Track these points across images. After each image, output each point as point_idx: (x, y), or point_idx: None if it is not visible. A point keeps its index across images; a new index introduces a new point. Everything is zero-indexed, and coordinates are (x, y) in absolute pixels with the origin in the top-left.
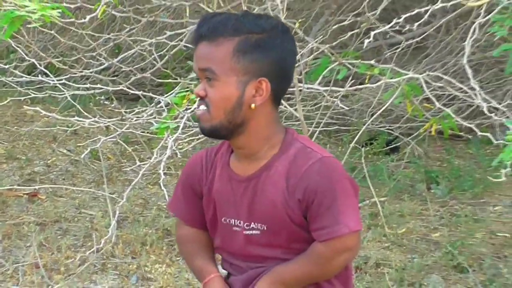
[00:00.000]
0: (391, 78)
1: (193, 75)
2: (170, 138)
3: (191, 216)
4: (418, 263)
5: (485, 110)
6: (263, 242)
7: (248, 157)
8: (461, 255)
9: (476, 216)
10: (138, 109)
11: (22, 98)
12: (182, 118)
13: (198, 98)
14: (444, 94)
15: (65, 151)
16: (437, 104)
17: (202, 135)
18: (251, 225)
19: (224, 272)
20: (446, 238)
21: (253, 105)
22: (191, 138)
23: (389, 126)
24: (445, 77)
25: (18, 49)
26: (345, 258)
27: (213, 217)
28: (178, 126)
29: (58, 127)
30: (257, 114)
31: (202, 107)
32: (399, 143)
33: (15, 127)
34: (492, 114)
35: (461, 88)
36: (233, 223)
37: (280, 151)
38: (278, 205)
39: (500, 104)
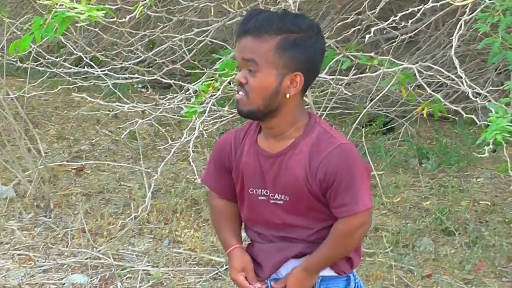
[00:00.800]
0: (388, 68)
1: (217, 66)
2: (197, 121)
3: (221, 188)
4: (411, 227)
5: (470, 95)
6: (286, 211)
7: (276, 137)
8: (448, 220)
9: (461, 187)
10: (170, 96)
11: (71, 87)
12: (208, 103)
13: (239, 84)
14: (433, 81)
15: (107, 132)
16: (428, 90)
17: (225, 118)
18: (275, 196)
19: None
20: (435, 206)
21: (288, 95)
22: (215, 120)
23: (386, 110)
24: (435, 66)
25: (67, 44)
26: (361, 232)
27: (241, 188)
28: (205, 110)
29: (101, 112)
30: (289, 101)
31: (241, 92)
32: (394, 124)
33: (65, 111)
34: (477, 99)
35: (449, 76)
36: (259, 193)
37: (304, 133)
38: (300, 180)
39: (482, 89)
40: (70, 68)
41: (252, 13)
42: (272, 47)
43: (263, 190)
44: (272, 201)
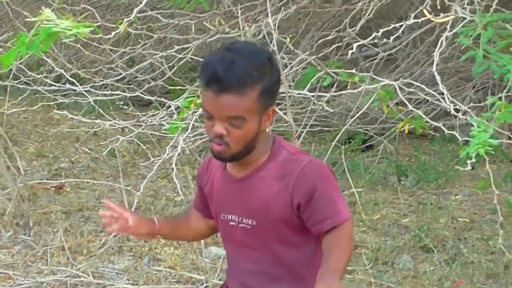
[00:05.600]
0: (369, 85)
1: (197, 83)
2: (180, 137)
3: (198, 205)
4: (391, 244)
5: (452, 111)
6: (254, 234)
7: (242, 163)
8: (427, 237)
9: (440, 204)
10: (152, 112)
11: (51, 103)
12: (190, 119)
13: (217, 136)
14: (411, 99)
15: (86, 149)
16: (410, 107)
17: (205, 135)
18: (243, 220)
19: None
20: (414, 223)
21: (267, 130)
22: (195, 138)
23: (365, 127)
24: (416, 83)
25: (48, 61)
26: (348, 240)
27: (215, 214)
28: (187, 127)
29: (81, 129)
30: (265, 134)
31: (222, 144)
32: (373, 142)
33: (44, 129)
34: (459, 114)
35: (428, 93)
36: (230, 218)
37: (270, 157)
38: (269, 204)
39: (462, 106)
40: (51, 86)
41: (223, 63)
42: (256, 98)
43: (232, 216)
44: (240, 225)
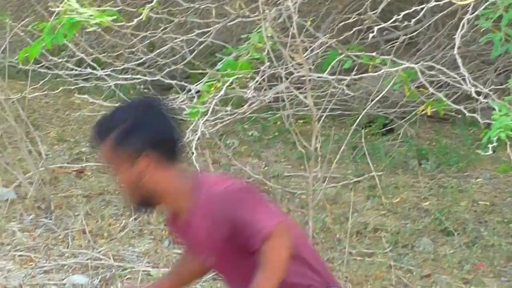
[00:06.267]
0: (390, 68)
1: (219, 66)
2: (200, 121)
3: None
4: (411, 228)
5: (473, 94)
6: (222, 264)
7: (177, 213)
8: (447, 220)
9: (461, 187)
10: (172, 97)
11: (72, 88)
12: (210, 103)
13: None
14: (433, 82)
15: None
16: (431, 89)
17: (226, 119)
18: (204, 255)
19: None
20: (435, 206)
21: (148, 175)
22: (216, 121)
23: (386, 111)
24: (438, 66)
25: (69, 46)
26: (285, 242)
27: None
28: (208, 110)
29: (102, 113)
30: (157, 180)
31: (124, 195)
32: (394, 125)
33: (65, 114)
34: (480, 97)
35: (450, 76)
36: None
37: (193, 204)
38: (210, 248)
39: (484, 89)
40: (72, 70)
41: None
42: (110, 149)
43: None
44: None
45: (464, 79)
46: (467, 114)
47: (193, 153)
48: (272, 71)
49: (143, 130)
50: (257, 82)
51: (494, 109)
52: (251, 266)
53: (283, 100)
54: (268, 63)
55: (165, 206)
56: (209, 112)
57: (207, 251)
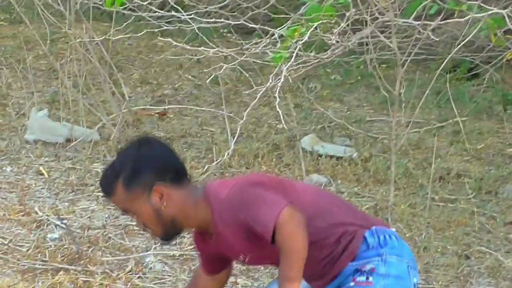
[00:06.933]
0: (477, 14)
1: (302, 11)
2: (283, 66)
3: (205, 265)
4: (495, 174)
5: None
6: (259, 256)
7: (202, 230)
8: None
9: None
10: (255, 41)
11: (155, 30)
12: (295, 48)
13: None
14: None
15: (190, 76)
16: None
17: (309, 64)
18: (241, 256)
19: None
20: None
21: (164, 204)
22: (298, 66)
23: (471, 55)
24: None
25: None
26: (290, 226)
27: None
28: (291, 56)
29: (184, 56)
30: (174, 206)
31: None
32: (479, 70)
33: (148, 56)
34: None
35: None
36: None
37: (212, 213)
38: (243, 250)
39: None
40: (155, 12)
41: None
42: (122, 193)
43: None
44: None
45: None
46: None
47: (275, 97)
48: (357, 16)
49: (145, 166)
50: (341, 27)
51: None
52: None
53: (367, 45)
54: (353, 9)
55: (190, 228)
56: (293, 57)
57: (242, 253)
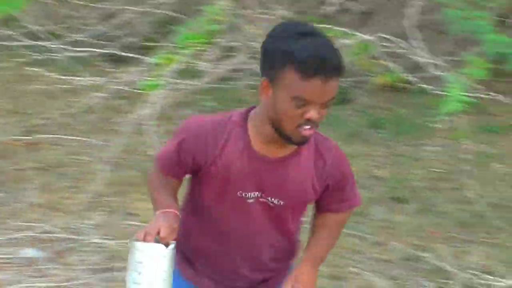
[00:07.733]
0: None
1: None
2: (155, 93)
3: (175, 173)
4: (365, 196)
5: (425, 63)
6: (272, 215)
7: (279, 142)
8: (401, 188)
9: (416, 155)
10: (127, 69)
11: (22, 60)
12: (166, 76)
13: (309, 120)
14: (388, 52)
15: (62, 106)
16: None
17: (181, 90)
18: (268, 198)
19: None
20: (389, 174)
21: None
22: (173, 93)
23: (341, 80)
24: (393, 38)
25: (20, 18)
26: (343, 227)
27: (225, 191)
28: (163, 83)
29: (55, 86)
30: None
31: (311, 127)
32: (349, 95)
33: (19, 86)
34: (433, 68)
35: (405, 47)
36: (249, 196)
37: (326, 139)
38: (304, 189)
39: (437, 59)
40: (25, 42)
41: (329, 49)
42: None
43: (256, 193)
44: (261, 200)
45: (419, 49)
46: (420, 84)
47: (147, 125)
48: (232, 43)
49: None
50: (212, 55)
51: (449, 80)
52: (287, 233)
53: (241, 71)
54: (225, 37)
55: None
56: (165, 85)
57: (293, 192)
